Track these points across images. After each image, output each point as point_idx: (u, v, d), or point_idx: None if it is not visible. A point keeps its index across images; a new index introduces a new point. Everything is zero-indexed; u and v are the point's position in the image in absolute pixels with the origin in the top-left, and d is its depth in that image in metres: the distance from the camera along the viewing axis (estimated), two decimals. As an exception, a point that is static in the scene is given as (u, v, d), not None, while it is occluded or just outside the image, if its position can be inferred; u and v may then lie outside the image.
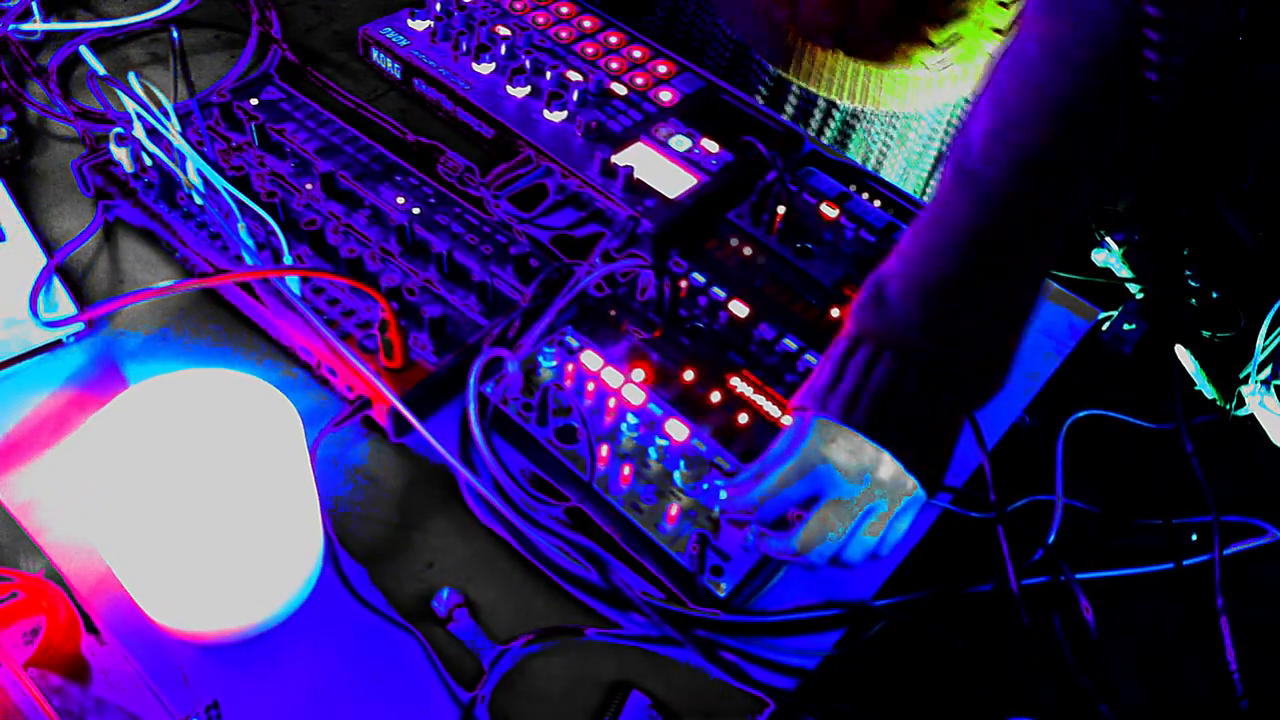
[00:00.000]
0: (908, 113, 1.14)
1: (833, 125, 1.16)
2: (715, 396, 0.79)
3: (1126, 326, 0.94)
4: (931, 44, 1.06)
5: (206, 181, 0.84)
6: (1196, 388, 0.92)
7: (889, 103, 1.12)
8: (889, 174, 1.20)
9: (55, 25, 1.09)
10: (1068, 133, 0.65)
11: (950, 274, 0.68)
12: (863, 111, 1.14)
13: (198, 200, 0.85)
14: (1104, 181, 0.68)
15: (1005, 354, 0.70)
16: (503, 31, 1.07)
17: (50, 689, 0.64)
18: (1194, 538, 0.81)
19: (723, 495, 0.73)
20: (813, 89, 1.13)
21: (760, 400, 0.79)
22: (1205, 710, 0.73)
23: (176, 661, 0.67)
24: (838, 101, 1.13)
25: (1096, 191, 0.68)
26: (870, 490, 0.68)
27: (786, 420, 0.75)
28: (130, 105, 0.84)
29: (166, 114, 0.84)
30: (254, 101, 0.98)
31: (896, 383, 0.67)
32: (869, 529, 0.69)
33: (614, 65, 1.06)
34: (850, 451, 0.67)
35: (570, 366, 0.80)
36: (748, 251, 0.89)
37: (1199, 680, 0.74)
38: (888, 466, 0.68)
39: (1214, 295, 0.97)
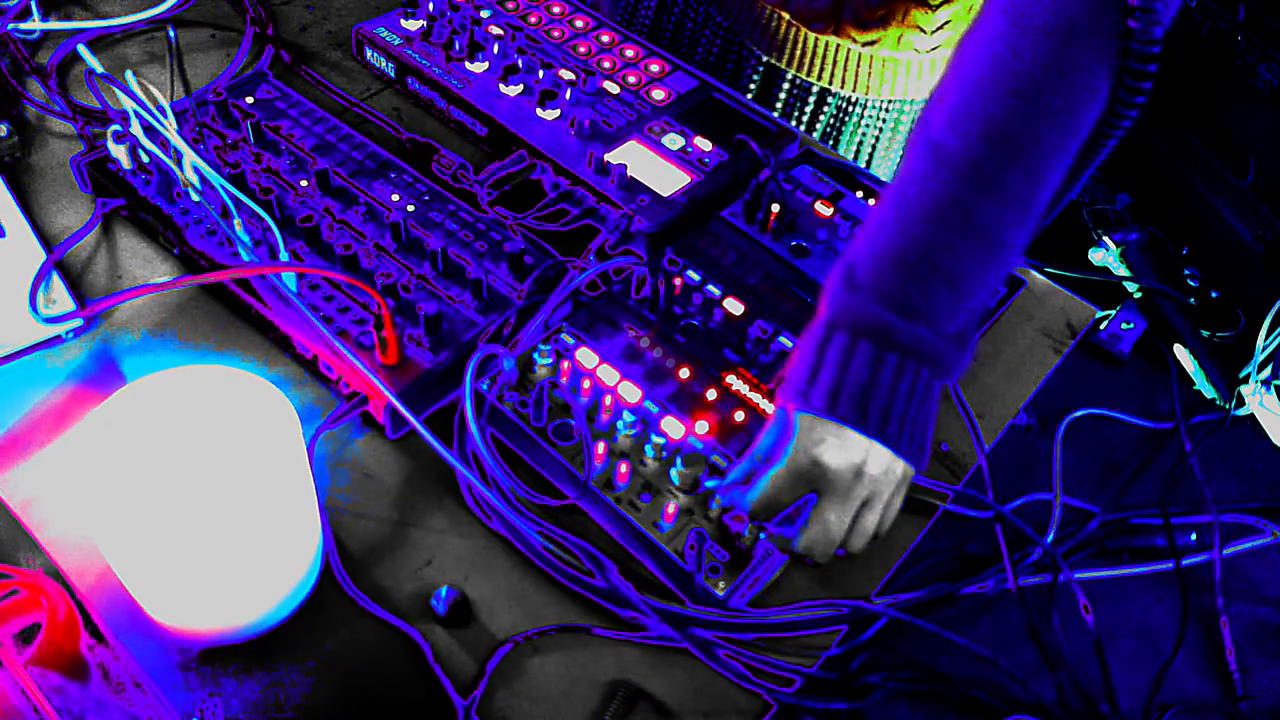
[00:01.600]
0: (899, 100, 1.14)
1: (824, 118, 1.16)
2: (711, 394, 0.79)
3: (1125, 326, 0.94)
4: (922, 29, 1.06)
5: (203, 178, 0.84)
6: (1196, 387, 0.92)
7: (879, 89, 1.13)
8: (882, 166, 1.20)
9: (53, 24, 1.09)
10: (1028, 102, 0.64)
11: (919, 247, 0.67)
12: (854, 103, 1.14)
13: (195, 197, 0.85)
14: (1078, 157, 0.67)
15: (972, 326, 0.70)
16: (495, 31, 1.08)
17: (50, 688, 0.64)
18: (1193, 537, 0.81)
19: (717, 500, 0.73)
20: (803, 76, 1.13)
21: (756, 398, 0.79)
22: (1205, 710, 0.73)
23: (176, 660, 0.67)
24: (829, 89, 1.13)
25: (1067, 166, 0.67)
26: (864, 484, 0.68)
27: None
28: (127, 103, 0.84)
29: (163, 111, 0.84)
30: (249, 99, 0.98)
31: (876, 369, 0.66)
32: (867, 518, 0.69)
33: (606, 64, 1.06)
34: (840, 449, 0.67)
35: (566, 364, 0.79)
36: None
37: (1199, 680, 0.74)
38: (878, 457, 0.67)
39: (1213, 294, 0.97)
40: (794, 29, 1.10)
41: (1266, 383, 0.88)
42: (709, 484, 0.73)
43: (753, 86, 1.18)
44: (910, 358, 0.67)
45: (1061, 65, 0.63)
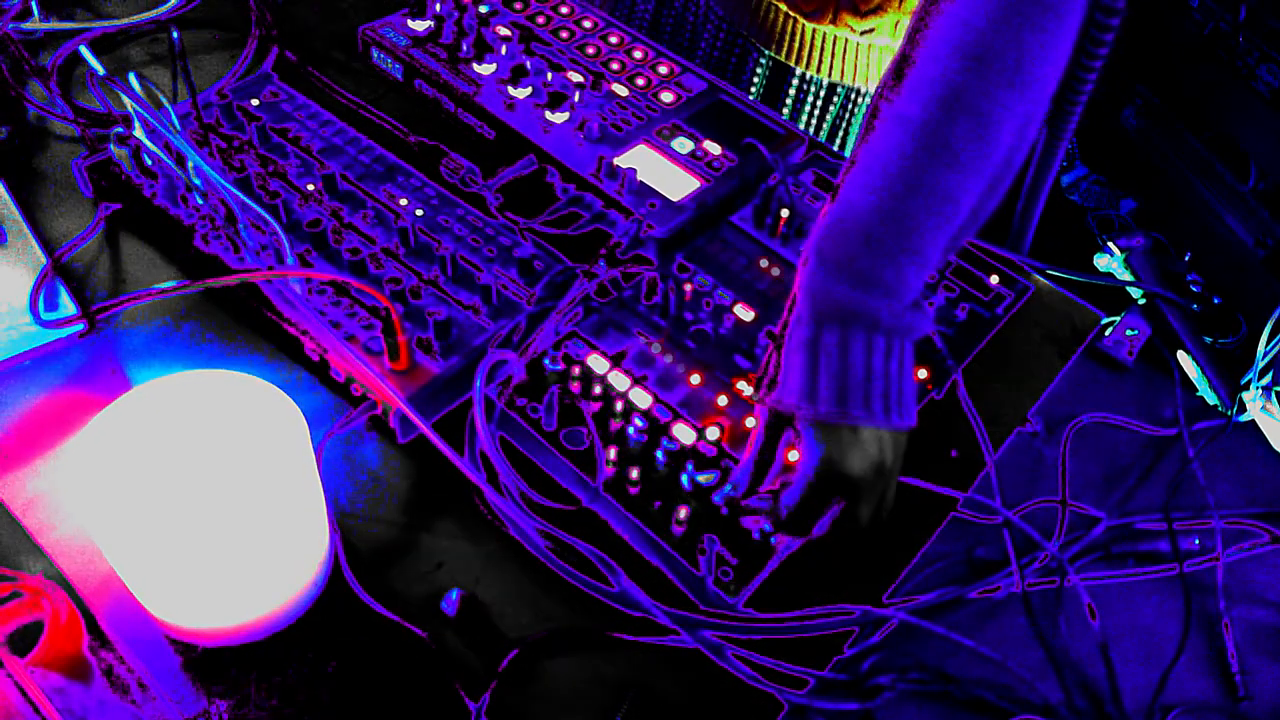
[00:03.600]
0: None
1: (831, 113, 1.16)
2: (722, 400, 0.79)
3: (1129, 332, 0.94)
4: None
5: (207, 181, 0.83)
6: (1199, 393, 0.92)
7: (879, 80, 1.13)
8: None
9: (55, 25, 1.08)
10: (982, 62, 0.64)
11: (887, 219, 0.66)
12: (861, 95, 1.15)
13: (199, 200, 0.84)
14: (1049, 127, 0.66)
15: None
16: (503, 32, 1.07)
17: (52, 689, 0.64)
18: (1196, 542, 0.81)
19: (737, 502, 0.73)
20: (803, 69, 1.13)
21: (767, 403, 0.79)
22: (1207, 711, 0.73)
23: (180, 663, 0.67)
24: (831, 81, 1.13)
25: (1030, 133, 0.67)
26: (885, 475, 0.69)
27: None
28: (130, 105, 0.83)
29: (167, 114, 0.83)
30: (255, 102, 0.98)
31: (869, 358, 0.67)
32: (887, 495, 0.70)
33: (614, 66, 1.06)
34: (861, 455, 0.67)
35: (576, 369, 0.79)
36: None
37: (1202, 681, 0.75)
38: (890, 444, 0.68)
39: (1216, 300, 0.98)
40: (791, 20, 1.10)
41: (1268, 389, 0.89)
42: (716, 498, 0.73)
43: (756, 80, 1.17)
44: (896, 337, 0.68)
45: (1014, 23, 0.64)
